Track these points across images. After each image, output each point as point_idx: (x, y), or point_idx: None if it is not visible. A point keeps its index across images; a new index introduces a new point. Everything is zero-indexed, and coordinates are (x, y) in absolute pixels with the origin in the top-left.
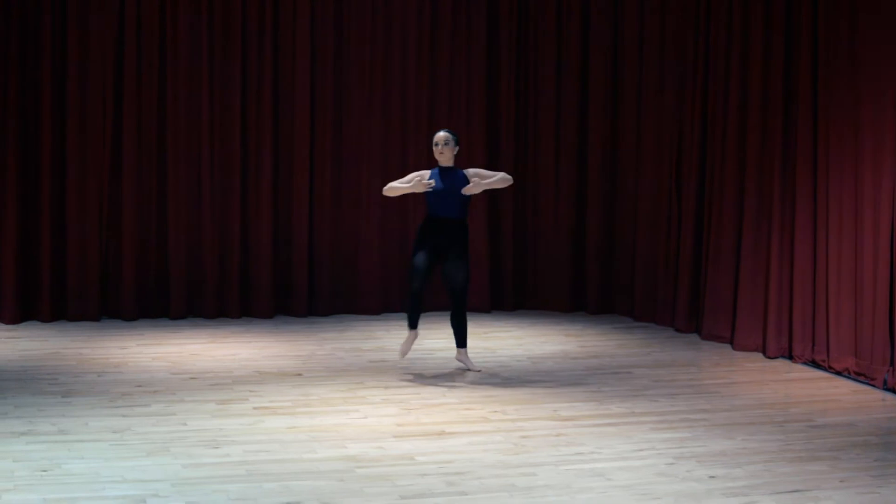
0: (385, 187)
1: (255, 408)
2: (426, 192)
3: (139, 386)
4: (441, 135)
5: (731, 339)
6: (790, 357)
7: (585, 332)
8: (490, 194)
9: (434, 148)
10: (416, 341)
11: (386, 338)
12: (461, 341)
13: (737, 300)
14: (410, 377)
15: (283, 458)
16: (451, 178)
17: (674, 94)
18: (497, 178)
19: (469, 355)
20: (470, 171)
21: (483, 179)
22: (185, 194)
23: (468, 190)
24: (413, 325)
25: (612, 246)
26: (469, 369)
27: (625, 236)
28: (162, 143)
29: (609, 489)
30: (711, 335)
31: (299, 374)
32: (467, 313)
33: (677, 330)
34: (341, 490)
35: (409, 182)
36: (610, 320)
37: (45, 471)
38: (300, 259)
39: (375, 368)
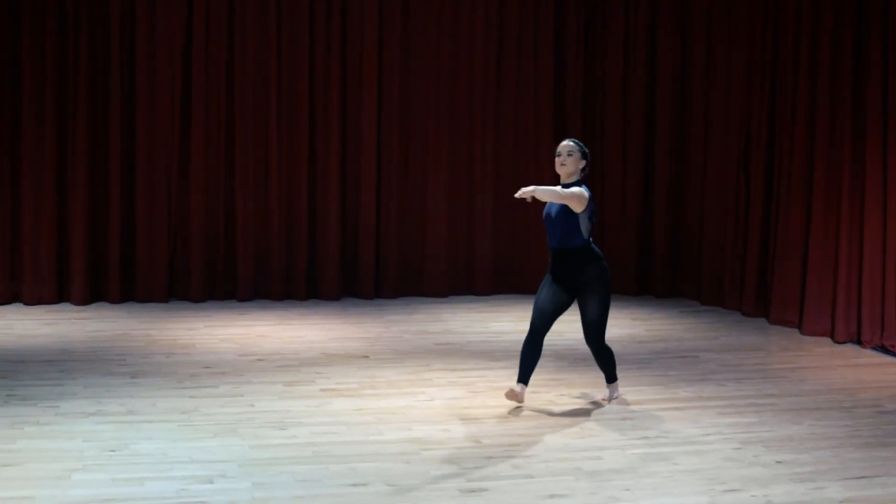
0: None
1: (321, 390)
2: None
3: (207, 367)
4: (565, 143)
5: (800, 323)
6: (859, 342)
7: (652, 316)
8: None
9: (556, 159)
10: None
11: (452, 320)
12: (609, 376)
13: (805, 285)
14: (477, 360)
15: (349, 439)
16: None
17: (743, 79)
18: (570, 192)
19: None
20: (574, 188)
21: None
22: (253, 177)
23: (523, 193)
24: (522, 378)
25: (679, 230)
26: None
27: (692, 220)
28: (230, 126)
29: (675, 473)
30: (779, 320)
31: (366, 357)
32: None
33: (745, 314)
34: (407, 472)
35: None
36: (677, 304)
37: (113, 451)
38: (367, 242)
39: (442, 351)
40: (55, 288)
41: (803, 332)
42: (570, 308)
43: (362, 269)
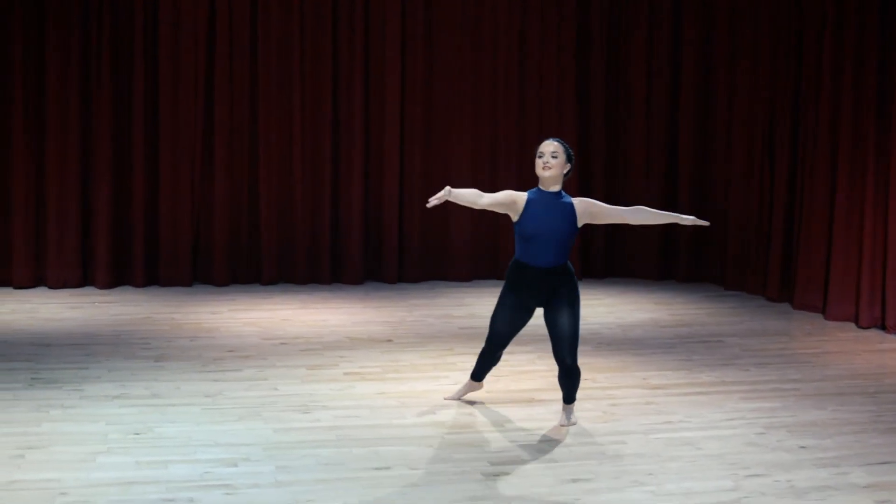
0: (465, 192)
1: (345, 373)
2: (516, 228)
3: (231, 351)
4: (549, 143)
5: (824, 308)
6: (883, 327)
7: (675, 301)
8: (583, 156)
9: (537, 160)
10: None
11: (476, 304)
12: (567, 397)
13: (829, 269)
14: None
15: (372, 423)
16: (554, 207)
17: (767, 62)
18: (648, 212)
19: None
20: (581, 203)
21: (595, 210)
22: (277, 160)
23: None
24: (478, 376)
25: (702, 214)
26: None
27: (716, 204)
28: (254, 109)
29: (698, 458)
30: (803, 304)
31: (389, 341)
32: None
33: (768, 299)
34: (430, 456)
35: (497, 199)
36: (700, 289)
37: (137, 434)
38: (390, 226)
39: (465, 335)
40: (80, 272)
41: (827, 317)
42: (599, 290)
43: (386, 253)
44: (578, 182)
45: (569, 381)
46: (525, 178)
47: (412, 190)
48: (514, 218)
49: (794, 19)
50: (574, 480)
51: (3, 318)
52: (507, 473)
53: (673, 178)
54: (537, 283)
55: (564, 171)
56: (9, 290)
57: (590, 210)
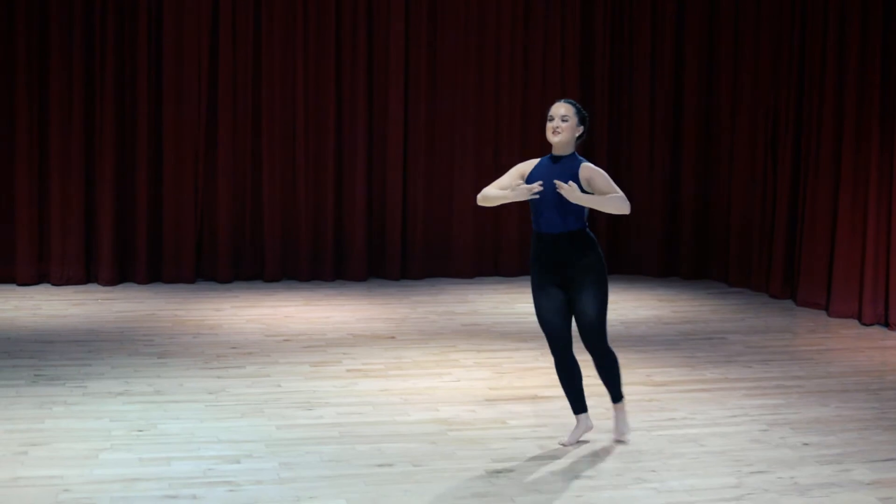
0: (480, 195)
1: (348, 370)
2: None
3: (234, 348)
4: (559, 105)
5: (827, 305)
6: (886, 324)
7: (679, 298)
8: (587, 153)
9: (548, 124)
10: (586, 430)
11: (478, 301)
12: (614, 394)
13: (832, 267)
14: (503, 341)
15: (375, 420)
16: (558, 171)
17: (770, 58)
18: (613, 198)
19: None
20: (587, 169)
21: (595, 184)
22: (280, 158)
23: (561, 187)
24: (577, 407)
25: (706, 211)
26: (566, 440)
27: (719, 202)
28: (257, 107)
29: (702, 455)
30: (806, 301)
31: (392, 337)
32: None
33: (772, 296)
34: (433, 453)
35: (507, 188)
36: (703, 286)
37: (140, 430)
38: (393, 222)
39: (468, 332)
40: (83, 269)
41: (830, 314)
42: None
43: (389, 250)
44: None
45: (606, 371)
46: None
47: (415, 187)
48: None
49: (797, 17)
50: (577, 477)
51: (7, 315)
52: (510, 470)
53: (677, 175)
54: (549, 251)
55: (577, 135)
56: (12, 287)
57: (590, 179)
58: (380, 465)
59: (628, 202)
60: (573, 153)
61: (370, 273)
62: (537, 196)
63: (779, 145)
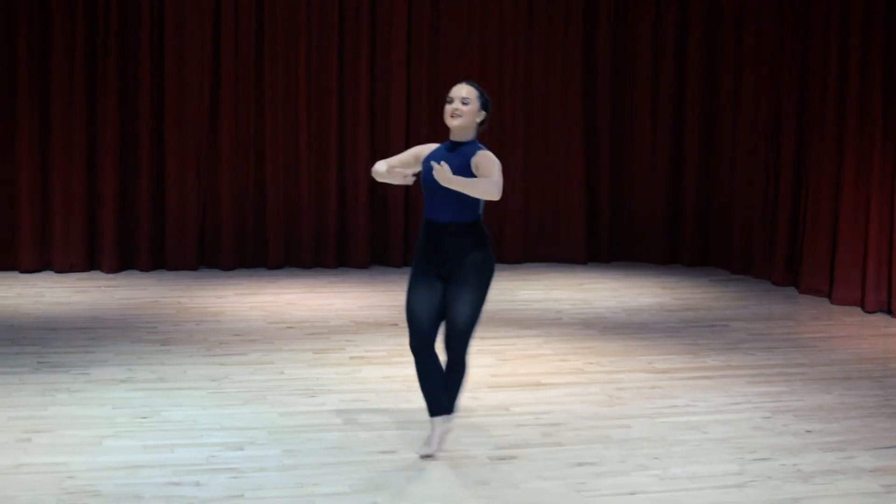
0: (374, 168)
1: (351, 357)
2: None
3: (237, 335)
4: (460, 87)
5: (830, 292)
6: (889, 312)
7: (681, 285)
8: (589, 140)
9: (446, 106)
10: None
11: None
12: (445, 404)
13: (835, 253)
14: (506, 328)
15: (378, 407)
16: (454, 158)
17: (773, 46)
18: (480, 181)
19: (447, 424)
20: (479, 156)
21: (480, 170)
22: (283, 144)
23: (435, 169)
24: (434, 409)
25: (709, 198)
26: (428, 449)
27: (722, 189)
28: (259, 94)
29: (704, 442)
30: (809, 289)
31: (395, 325)
32: None
33: (774, 283)
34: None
35: (399, 161)
36: (706, 273)
37: (144, 417)
38: (396, 210)
39: None
40: (86, 256)
41: (833, 302)
42: (605, 274)
43: (391, 237)
44: (585, 170)
45: (454, 378)
46: (530, 163)
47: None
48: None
49: (799, 2)
50: (580, 464)
51: (10, 303)
52: (513, 457)
53: (679, 162)
54: (436, 241)
55: (478, 120)
56: (15, 275)
57: (478, 164)
58: (383, 452)
59: (499, 189)
60: (474, 140)
61: (373, 260)
62: (411, 182)
63: (781, 132)
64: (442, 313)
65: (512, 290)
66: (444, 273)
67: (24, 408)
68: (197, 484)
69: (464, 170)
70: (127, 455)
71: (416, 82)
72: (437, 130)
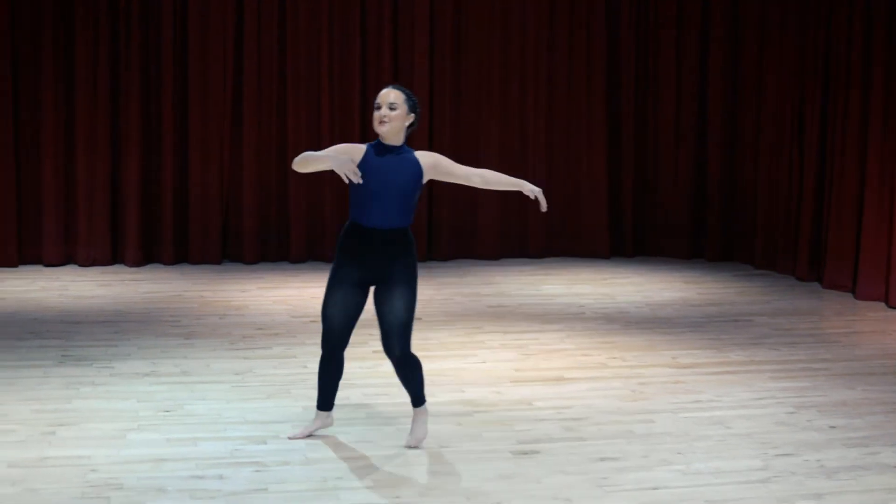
0: (297, 158)
1: (374, 351)
2: (352, 187)
3: (260, 329)
4: (387, 92)
5: (854, 288)
6: None
7: (705, 280)
8: (613, 134)
9: (375, 112)
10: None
11: (504, 283)
12: (414, 398)
13: (859, 249)
14: (529, 322)
15: (401, 401)
16: (395, 163)
17: (796, 38)
18: (503, 177)
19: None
20: (427, 157)
21: (443, 167)
22: (306, 138)
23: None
24: (323, 404)
25: (732, 193)
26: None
27: (745, 184)
28: (282, 87)
29: (728, 437)
30: (833, 284)
31: (418, 319)
32: None
33: (798, 278)
34: (459, 434)
35: (329, 155)
36: (729, 268)
37: (167, 411)
38: (419, 203)
39: (493, 313)
40: (109, 250)
41: (857, 297)
42: (628, 269)
43: (414, 232)
44: (607, 164)
45: (406, 373)
46: (552, 156)
47: None
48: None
49: (822, 4)
50: (602, 459)
51: (34, 296)
52: (536, 452)
53: (703, 158)
54: (373, 247)
55: (407, 124)
56: (39, 268)
57: (436, 164)
58: (406, 447)
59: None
60: (404, 143)
61: None
62: (359, 181)
63: (805, 126)
64: (356, 318)
65: (534, 285)
66: (370, 279)
67: (49, 401)
68: (220, 477)
69: (417, 178)
70: (151, 448)
71: (439, 81)
72: (459, 130)
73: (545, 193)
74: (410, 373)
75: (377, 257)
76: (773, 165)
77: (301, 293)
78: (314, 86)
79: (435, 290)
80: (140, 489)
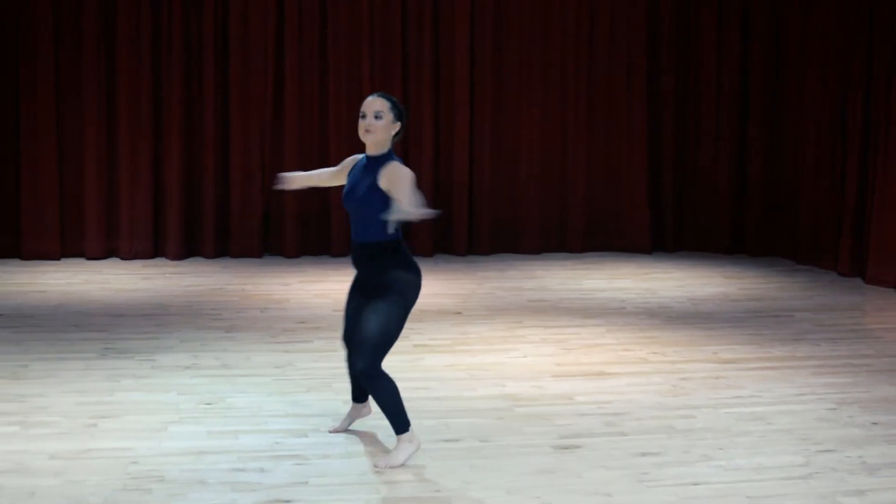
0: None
1: (414, 345)
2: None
3: (301, 322)
4: (372, 101)
5: None
6: None
7: (746, 275)
8: (653, 131)
9: (360, 121)
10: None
11: (546, 277)
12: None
13: None
14: (570, 317)
15: (442, 395)
16: (363, 175)
17: (839, 35)
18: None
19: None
20: (392, 170)
21: (393, 191)
22: (346, 133)
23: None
24: (356, 396)
25: (774, 188)
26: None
27: (787, 179)
28: (323, 82)
29: (769, 433)
30: (876, 279)
31: (459, 313)
32: None
33: (840, 274)
34: (500, 428)
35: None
36: (771, 263)
37: (209, 404)
38: (460, 198)
39: (534, 308)
40: (151, 243)
41: None
42: (670, 264)
43: (455, 226)
44: (648, 160)
45: (372, 393)
46: (593, 151)
47: (482, 162)
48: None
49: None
50: (643, 454)
51: (77, 289)
52: (576, 447)
53: (744, 152)
54: (360, 260)
55: (393, 133)
56: (82, 262)
57: (389, 181)
58: (447, 441)
59: (414, 204)
60: (388, 151)
61: (437, 248)
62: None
63: (848, 122)
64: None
65: (575, 280)
66: (366, 289)
67: (91, 393)
68: (261, 470)
69: (372, 189)
70: (192, 441)
71: (479, 77)
72: (499, 128)
73: (585, 190)
74: (375, 394)
75: (363, 270)
76: (815, 161)
77: (342, 287)
78: (355, 79)
79: (476, 284)
80: (181, 482)
